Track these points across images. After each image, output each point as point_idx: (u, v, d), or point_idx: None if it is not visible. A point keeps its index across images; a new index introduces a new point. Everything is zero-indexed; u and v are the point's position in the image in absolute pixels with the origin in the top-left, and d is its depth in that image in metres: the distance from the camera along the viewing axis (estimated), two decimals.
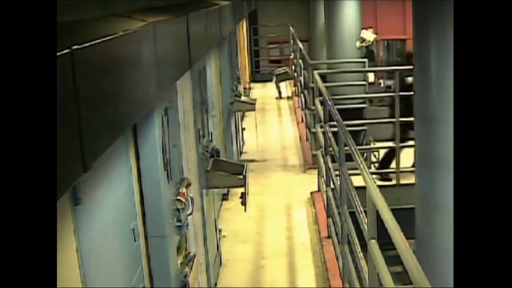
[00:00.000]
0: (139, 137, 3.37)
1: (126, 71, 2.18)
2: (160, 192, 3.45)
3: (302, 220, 7.46)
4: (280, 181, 9.13)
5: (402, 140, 7.74)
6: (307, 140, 10.41)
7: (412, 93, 5.04)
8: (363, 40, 10.88)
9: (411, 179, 5.29)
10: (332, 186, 5.78)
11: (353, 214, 3.68)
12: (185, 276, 3.84)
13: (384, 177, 8.74)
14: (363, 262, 3.44)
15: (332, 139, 5.40)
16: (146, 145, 3.39)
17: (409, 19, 4.83)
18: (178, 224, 3.79)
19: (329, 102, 5.52)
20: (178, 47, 3.55)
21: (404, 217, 3.68)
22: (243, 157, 10.37)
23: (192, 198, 4.10)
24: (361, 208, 3.39)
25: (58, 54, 1.43)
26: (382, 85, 11.89)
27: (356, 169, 3.56)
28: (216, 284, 5.85)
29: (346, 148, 4.32)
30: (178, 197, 3.83)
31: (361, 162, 3.49)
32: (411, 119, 4.80)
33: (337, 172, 5.08)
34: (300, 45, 11.89)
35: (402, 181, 7.47)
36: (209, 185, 5.56)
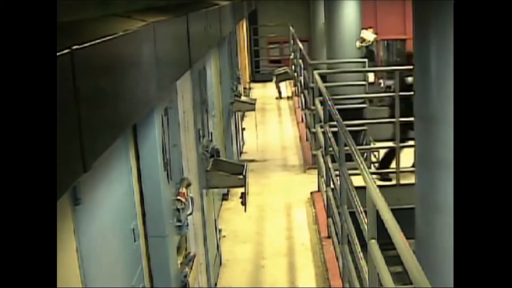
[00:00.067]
0: (139, 137, 3.37)
1: (126, 71, 2.18)
2: (160, 192, 3.45)
3: (302, 220, 7.46)
4: (280, 181, 9.13)
5: (402, 140, 7.74)
6: (307, 140, 10.41)
7: (412, 93, 5.04)
8: (363, 40, 10.88)
9: (411, 179, 5.29)
10: (332, 186, 5.78)
11: (353, 214, 3.68)
12: (185, 276, 3.84)
13: (384, 177, 8.74)
14: (363, 262, 3.44)
15: (332, 139, 5.40)
16: (146, 145, 3.39)
17: (409, 19, 4.83)
18: (178, 224, 3.79)
19: (329, 102, 5.52)
20: (178, 47, 3.55)
21: (404, 217, 3.68)
22: (243, 157, 10.37)
23: (192, 198, 4.10)
24: (361, 208, 3.39)
25: (58, 54, 1.43)
26: (382, 85, 11.89)
27: (356, 169, 3.56)
28: (216, 284, 5.85)
29: (346, 148, 4.32)
30: (178, 197, 3.83)
31: (361, 162, 3.49)
32: (411, 119, 4.80)
33: (337, 172, 5.08)
34: (300, 45, 11.89)
35: (402, 181, 7.47)
36: (209, 185, 5.56)
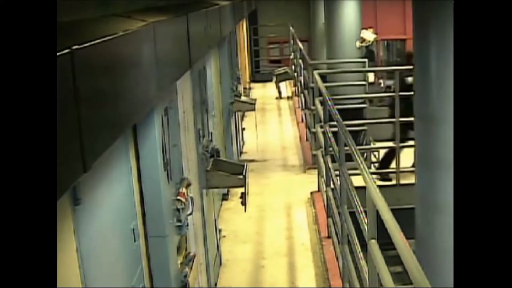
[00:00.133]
0: (139, 137, 3.37)
1: (126, 71, 2.18)
2: (160, 192, 3.45)
3: (302, 220, 7.46)
4: (280, 181, 9.13)
5: (402, 140, 7.74)
6: (307, 140, 10.41)
7: (412, 93, 5.04)
8: (363, 40, 10.88)
9: (411, 179, 5.29)
10: (332, 186, 5.78)
11: (353, 214, 3.68)
12: (185, 276, 3.84)
13: (384, 177, 8.74)
14: (363, 262, 3.44)
15: (332, 139, 5.40)
16: (146, 145, 3.39)
17: (409, 19, 4.83)
18: (178, 224, 3.79)
19: (329, 102, 5.52)
20: (178, 47, 3.55)
21: (404, 217, 3.68)
22: (243, 157, 10.37)
23: (192, 198, 4.10)
24: (361, 208, 3.39)
25: (58, 54, 1.43)
26: (382, 85, 11.89)
27: (356, 169, 3.56)
28: (216, 284, 5.85)
29: (346, 148, 4.32)
30: (178, 197, 3.83)
31: (361, 162, 3.49)
32: (411, 119, 4.80)
33: (337, 172, 5.08)
34: (300, 45, 11.89)
35: (402, 181, 7.47)
36: (209, 185, 5.56)
